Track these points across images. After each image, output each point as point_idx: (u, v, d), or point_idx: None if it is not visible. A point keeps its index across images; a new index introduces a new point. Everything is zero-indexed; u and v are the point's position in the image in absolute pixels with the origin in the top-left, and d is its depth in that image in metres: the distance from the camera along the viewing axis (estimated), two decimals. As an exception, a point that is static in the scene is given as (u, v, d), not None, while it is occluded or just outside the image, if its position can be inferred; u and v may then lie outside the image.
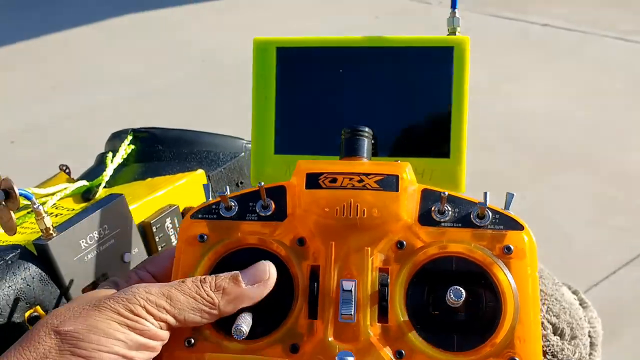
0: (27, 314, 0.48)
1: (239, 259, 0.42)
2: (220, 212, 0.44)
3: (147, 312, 0.38)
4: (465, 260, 0.41)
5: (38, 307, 0.48)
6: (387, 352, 0.39)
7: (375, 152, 0.48)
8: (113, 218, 0.54)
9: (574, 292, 0.72)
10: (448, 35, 0.49)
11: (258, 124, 0.51)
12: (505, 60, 2.40)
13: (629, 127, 2.03)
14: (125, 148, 0.66)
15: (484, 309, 0.40)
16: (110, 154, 0.66)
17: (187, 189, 0.64)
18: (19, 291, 0.47)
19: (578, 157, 1.90)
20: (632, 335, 1.41)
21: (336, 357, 0.39)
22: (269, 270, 0.41)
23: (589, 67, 2.37)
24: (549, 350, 0.55)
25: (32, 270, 0.48)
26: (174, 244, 0.61)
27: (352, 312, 0.40)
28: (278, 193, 0.43)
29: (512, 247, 0.40)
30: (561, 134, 2.00)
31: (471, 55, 0.47)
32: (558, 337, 0.57)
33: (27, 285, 0.48)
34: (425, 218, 0.42)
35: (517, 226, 0.41)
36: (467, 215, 0.41)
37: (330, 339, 0.40)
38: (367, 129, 0.45)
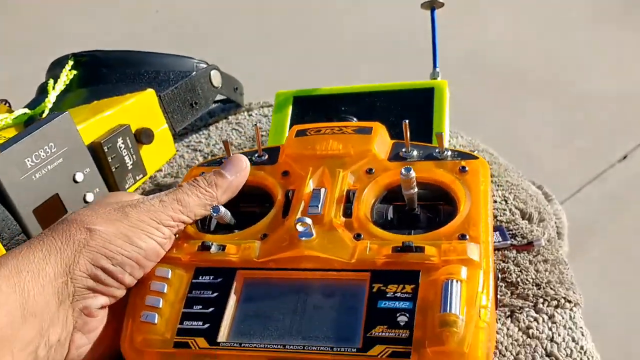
0: (-27, 234, 0.45)
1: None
2: (223, 161, 0.50)
3: (168, 216, 0.43)
4: (427, 182, 0.46)
5: (-15, 228, 0.46)
6: (347, 234, 0.43)
7: None
8: (59, 136, 0.51)
9: (538, 187, 0.72)
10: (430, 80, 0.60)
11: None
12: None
13: (589, 54, 2.05)
14: (67, 73, 0.63)
15: (441, 216, 0.45)
16: (51, 81, 0.63)
17: (138, 108, 0.61)
18: (-37, 213, 0.45)
19: (541, 84, 1.92)
20: (598, 248, 1.44)
21: (297, 226, 0.42)
22: (243, 160, 0.48)
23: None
24: (519, 232, 0.55)
25: (-25, 192, 0.46)
26: (128, 164, 0.58)
27: (319, 206, 0.44)
28: (275, 149, 0.51)
29: (466, 167, 0.46)
30: (524, 62, 2.01)
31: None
32: (526, 221, 0.56)
33: (-29, 206, 0.45)
34: (394, 157, 0.48)
35: (473, 157, 0.47)
36: (430, 154, 0.48)
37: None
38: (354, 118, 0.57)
